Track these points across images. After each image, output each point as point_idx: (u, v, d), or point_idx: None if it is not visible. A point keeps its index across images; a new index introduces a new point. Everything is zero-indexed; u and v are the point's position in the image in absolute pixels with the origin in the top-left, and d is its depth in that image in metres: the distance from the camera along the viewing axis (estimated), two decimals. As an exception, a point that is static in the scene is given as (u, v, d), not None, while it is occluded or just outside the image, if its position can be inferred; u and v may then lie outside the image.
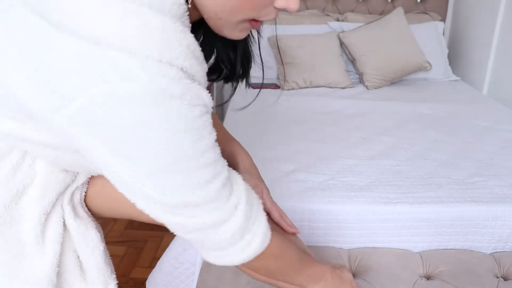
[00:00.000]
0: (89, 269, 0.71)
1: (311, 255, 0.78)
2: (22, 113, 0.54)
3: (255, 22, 0.58)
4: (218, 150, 0.57)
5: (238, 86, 0.74)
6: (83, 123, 0.48)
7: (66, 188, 0.69)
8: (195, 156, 0.52)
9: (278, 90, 2.36)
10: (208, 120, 0.54)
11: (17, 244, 0.64)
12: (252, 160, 0.86)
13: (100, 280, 0.72)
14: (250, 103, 0.82)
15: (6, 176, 0.60)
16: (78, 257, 0.71)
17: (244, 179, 0.79)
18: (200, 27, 0.63)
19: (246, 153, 0.87)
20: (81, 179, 0.71)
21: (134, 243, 1.93)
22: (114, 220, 2.07)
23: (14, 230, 0.62)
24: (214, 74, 0.67)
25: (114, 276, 0.75)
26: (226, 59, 0.67)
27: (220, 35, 0.62)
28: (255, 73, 0.80)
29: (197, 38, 0.63)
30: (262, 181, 0.84)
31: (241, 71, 0.70)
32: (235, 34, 0.58)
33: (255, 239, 0.62)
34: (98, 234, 0.74)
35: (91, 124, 0.48)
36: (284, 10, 0.56)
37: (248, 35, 0.67)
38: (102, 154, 0.51)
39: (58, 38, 0.46)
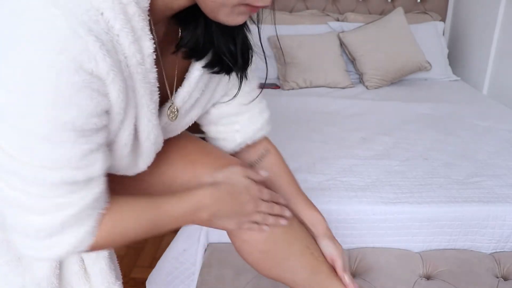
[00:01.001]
0: (93, 274, 0.70)
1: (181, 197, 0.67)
2: None
3: (252, 7, 0.54)
4: (87, 147, 0.50)
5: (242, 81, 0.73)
6: None
7: None
8: (49, 124, 0.46)
9: (277, 90, 2.36)
10: (93, 100, 0.47)
11: (14, 247, 0.63)
12: (326, 222, 0.84)
13: (104, 286, 0.72)
14: (251, 101, 0.82)
15: None
16: (82, 259, 0.71)
17: (326, 245, 0.80)
18: (197, 21, 0.62)
19: (324, 219, 0.84)
20: None
21: (134, 243, 1.93)
22: (114, 220, 2.07)
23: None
24: (217, 67, 0.66)
25: (120, 282, 0.74)
26: (227, 51, 0.65)
27: (220, 28, 0.61)
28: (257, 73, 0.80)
29: (195, 33, 0.61)
30: (337, 242, 0.83)
31: (241, 62, 0.68)
32: (231, 18, 0.55)
33: (62, 244, 0.55)
34: None
35: None
36: None
37: (247, 26, 0.66)
38: None
39: None
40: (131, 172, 0.65)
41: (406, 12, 2.59)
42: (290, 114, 1.97)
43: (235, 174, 0.71)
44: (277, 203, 0.75)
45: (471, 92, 2.36)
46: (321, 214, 0.85)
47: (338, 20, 2.68)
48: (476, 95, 2.33)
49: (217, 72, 0.66)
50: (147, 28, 0.52)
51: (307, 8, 2.75)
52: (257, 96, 0.81)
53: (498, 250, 1.25)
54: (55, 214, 0.53)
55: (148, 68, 0.55)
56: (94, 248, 0.58)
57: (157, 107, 0.61)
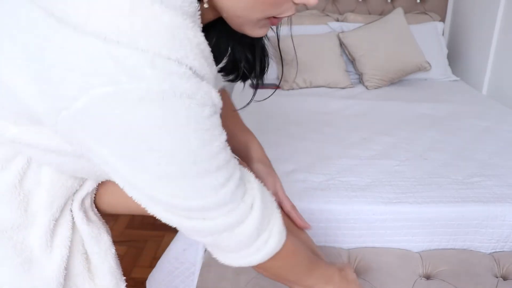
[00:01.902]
0: (101, 272, 0.71)
1: (320, 255, 0.78)
2: (25, 117, 0.52)
3: (274, 19, 0.56)
4: (229, 151, 0.55)
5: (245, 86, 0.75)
6: (86, 125, 0.46)
7: (74, 194, 0.68)
8: (206, 159, 0.50)
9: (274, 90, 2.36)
10: (218, 120, 0.52)
11: (25, 249, 0.64)
12: (264, 150, 0.85)
13: (112, 283, 0.72)
14: (248, 103, 0.82)
15: (12, 181, 0.59)
16: (87, 259, 0.71)
17: (257, 169, 0.80)
18: (213, 29, 0.63)
19: (259, 143, 0.86)
20: (91, 185, 0.70)
21: (134, 243, 1.93)
22: (114, 220, 2.07)
23: (22, 236, 0.62)
24: (232, 74, 0.66)
25: (124, 278, 0.75)
26: (244, 59, 0.66)
27: (237, 36, 0.62)
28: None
29: (209, 39, 0.62)
30: (274, 170, 0.83)
31: (259, 70, 0.69)
32: (255, 31, 0.57)
33: (271, 238, 0.61)
34: (110, 238, 0.74)
35: (94, 126, 0.46)
36: (303, 5, 0.54)
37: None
38: (107, 157, 0.49)
39: (61, 33, 0.43)
40: None
41: (405, 12, 2.59)
42: (290, 114, 1.98)
43: (348, 268, 0.79)
44: None
45: (471, 92, 2.37)
46: (255, 138, 0.87)
47: (338, 20, 2.68)
48: (475, 95, 2.33)
49: (233, 80, 0.67)
50: (212, 55, 0.54)
51: (307, 9, 2.75)
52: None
53: (497, 250, 1.25)
54: (250, 216, 0.57)
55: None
56: (283, 254, 0.63)
57: None
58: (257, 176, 0.80)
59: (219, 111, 0.53)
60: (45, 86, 0.46)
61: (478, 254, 1.22)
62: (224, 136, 0.53)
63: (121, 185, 0.53)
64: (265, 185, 0.80)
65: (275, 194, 0.80)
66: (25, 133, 0.54)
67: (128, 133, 0.46)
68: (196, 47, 0.48)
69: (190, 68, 0.47)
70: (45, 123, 0.50)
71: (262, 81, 0.72)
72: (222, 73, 0.66)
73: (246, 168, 0.63)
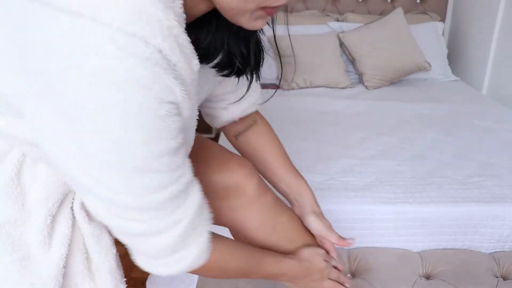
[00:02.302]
0: (101, 272, 0.71)
1: (277, 256, 0.78)
2: (7, 109, 0.52)
3: (270, 9, 0.55)
4: (178, 159, 0.53)
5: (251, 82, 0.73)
6: (46, 102, 0.46)
7: (75, 192, 0.68)
8: (146, 157, 0.48)
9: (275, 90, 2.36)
10: (175, 123, 0.50)
11: (23, 245, 0.64)
12: (315, 198, 0.87)
13: (112, 284, 0.72)
14: (266, 100, 0.82)
15: (9, 174, 0.59)
16: (87, 258, 0.71)
17: (312, 220, 0.83)
18: (208, 23, 0.62)
19: (311, 191, 0.87)
20: None
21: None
22: (114, 220, 2.07)
23: (19, 231, 0.62)
24: (227, 70, 0.65)
25: (125, 280, 0.75)
26: (239, 53, 0.65)
27: (232, 30, 0.61)
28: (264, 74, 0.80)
29: (203, 34, 0.61)
30: (325, 218, 0.86)
31: (254, 64, 0.68)
32: (251, 24, 0.56)
33: (186, 258, 0.59)
34: (111, 237, 0.74)
35: (52, 102, 0.45)
36: None
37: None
38: (57, 133, 0.48)
39: (33, 10, 0.43)
40: None
41: (405, 12, 2.59)
42: (290, 114, 1.98)
43: (318, 256, 0.81)
44: (342, 283, 0.84)
45: (471, 92, 2.37)
46: (308, 186, 0.87)
47: (338, 20, 2.68)
48: (475, 95, 2.33)
49: (227, 75, 0.66)
50: (192, 48, 0.52)
51: (307, 9, 2.75)
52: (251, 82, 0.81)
53: (497, 250, 1.25)
54: (171, 231, 0.56)
55: (196, 82, 0.56)
56: (204, 269, 0.63)
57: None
58: (311, 228, 0.85)
59: (184, 113, 0.52)
60: (16, 67, 0.46)
61: (478, 254, 1.22)
62: (176, 142, 0.51)
63: (59, 165, 0.52)
64: (321, 236, 0.84)
65: (326, 240, 0.84)
66: (11, 126, 0.55)
67: (78, 110, 0.45)
68: (166, 30, 0.46)
69: (160, 51, 0.46)
70: (23, 113, 0.50)
71: (258, 76, 0.71)
72: (216, 69, 0.65)
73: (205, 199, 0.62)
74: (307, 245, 0.83)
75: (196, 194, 0.59)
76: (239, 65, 0.65)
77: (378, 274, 1.13)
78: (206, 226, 0.61)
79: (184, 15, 0.51)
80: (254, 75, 0.71)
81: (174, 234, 0.56)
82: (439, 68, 2.58)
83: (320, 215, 0.85)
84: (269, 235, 0.81)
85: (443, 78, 2.58)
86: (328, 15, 2.70)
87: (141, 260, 0.61)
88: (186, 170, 0.56)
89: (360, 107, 2.08)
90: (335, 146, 1.61)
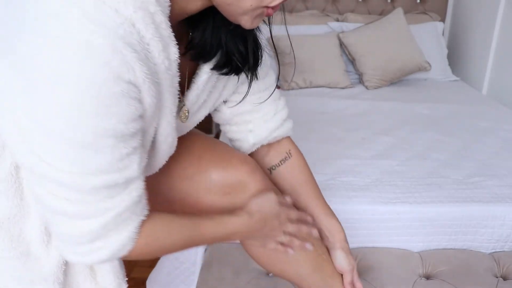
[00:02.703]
0: (104, 272, 0.71)
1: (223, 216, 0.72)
2: None
3: (270, 9, 0.56)
4: (125, 150, 0.51)
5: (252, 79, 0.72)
6: (8, 61, 0.47)
7: None
8: (90, 134, 0.48)
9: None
10: (130, 106, 0.49)
11: (22, 242, 0.64)
12: (344, 234, 0.87)
13: (115, 283, 0.72)
14: (265, 100, 0.81)
15: (8, 168, 0.59)
16: None
17: (338, 255, 0.82)
18: (205, 21, 0.62)
19: (341, 228, 0.87)
20: None
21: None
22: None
23: (19, 228, 0.62)
24: (225, 68, 0.65)
25: (126, 279, 0.75)
26: (237, 52, 0.65)
27: (229, 28, 0.61)
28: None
29: (199, 32, 0.61)
30: (351, 254, 0.86)
31: (252, 62, 0.68)
32: (249, 22, 0.56)
33: (106, 248, 0.57)
34: None
35: (14, 62, 0.46)
36: None
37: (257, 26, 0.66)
38: (11, 95, 0.48)
39: None
40: (145, 174, 0.66)
41: (405, 12, 2.59)
42: (290, 114, 1.97)
43: (268, 202, 0.74)
44: (305, 222, 0.79)
45: (471, 92, 2.37)
46: (340, 224, 0.86)
47: (338, 20, 2.68)
48: (475, 95, 2.33)
49: (226, 74, 0.66)
50: (172, 34, 0.52)
51: (307, 9, 2.75)
52: (271, 94, 0.80)
53: (497, 250, 1.25)
54: (97, 218, 0.54)
55: (174, 73, 0.56)
56: (132, 254, 0.60)
57: (177, 111, 0.62)
58: (336, 262, 0.84)
59: (144, 100, 0.50)
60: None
61: (478, 254, 1.22)
62: (127, 129, 0.50)
63: (7, 136, 0.52)
64: (341, 271, 0.83)
65: (348, 274, 0.83)
66: None
67: (35, 70, 0.45)
68: (140, 2, 0.46)
69: (133, 25, 0.46)
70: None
71: (256, 74, 0.70)
72: (215, 69, 0.65)
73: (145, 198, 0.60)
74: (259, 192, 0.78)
75: (136, 190, 0.57)
76: (238, 63, 0.64)
77: (378, 274, 1.13)
78: (135, 221, 0.58)
79: (168, 2, 0.51)
80: (255, 75, 0.71)
81: (99, 222, 0.54)
82: (439, 68, 2.58)
83: (347, 251, 0.85)
84: None
85: (443, 78, 2.58)
86: (328, 15, 2.70)
87: (59, 245, 0.59)
88: (132, 167, 0.54)
89: (360, 107, 2.08)
90: (335, 146, 1.61)
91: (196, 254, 1.24)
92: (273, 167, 0.88)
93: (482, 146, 1.63)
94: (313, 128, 1.80)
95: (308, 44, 2.40)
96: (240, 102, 0.77)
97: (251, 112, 0.81)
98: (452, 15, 2.85)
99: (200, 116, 0.74)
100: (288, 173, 0.88)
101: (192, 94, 0.67)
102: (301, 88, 2.37)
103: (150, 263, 1.79)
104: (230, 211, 0.73)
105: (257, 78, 0.71)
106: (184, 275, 1.27)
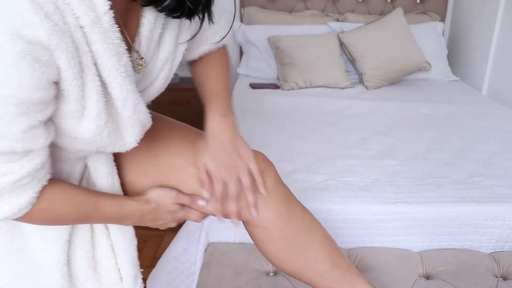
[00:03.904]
0: (124, 262, 0.74)
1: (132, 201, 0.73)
2: None
3: None
4: (27, 122, 0.49)
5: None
6: None
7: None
8: None
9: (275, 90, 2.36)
10: (35, 72, 0.46)
11: (19, 237, 0.64)
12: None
13: (133, 274, 0.74)
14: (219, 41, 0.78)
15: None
16: (92, 258, 0.72)
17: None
18: None
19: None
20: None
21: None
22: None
23: (13, 222, 0.63)
24: (177, 11, 0.61)
25: (142, 271, 0.77)
26: None
27: None
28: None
29: None
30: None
31: (204, 3, 0.63)
32: None
33: (1, 209, 0.57)
34: (133, 230, 0.77)
35: None
36: None
37: None
38: None
39: None
40: (120, 147, 0.64)
41: (405, 12, 2.59)
42: (290, 114, 1.98)
43: (166, 199, 0.75)
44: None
45: (471, 92, 2.37)
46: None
47: (338, 20, 2.68)
48: (475, 95, 2.33)
49: (178, 17, 0.62)
50: None
51: (307, 9, 2.75)
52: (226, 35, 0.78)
53: (497, 250, 1.25)
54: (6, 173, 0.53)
55: (107, 27, 0.52)
56: (27, 218, 0.60)
57: (130, 71, 0.59)
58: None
59: (60, 64, 0.48)
60: None
61: (478, 254, 1.22)
62: (27, 97, 0.47)
63: None
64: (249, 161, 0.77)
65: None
66: None
67: None
68: None
69: None
70: None
71: (210, 15, 0.65)
72: (165, 12, 0.61)
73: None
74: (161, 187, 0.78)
75: (39, 157, 0.56)
76: (190, 5, 0.61)
77: (378, 274, 1.13)
78: (36, 186, 0.58)
79: None
80: (211, 19, 0.66)
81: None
82: (439, 68, 2.58)
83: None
84: (287, 224, 0.80)
85: (443, 78, 2.58)
86: (328, 15, 2.70)
87: None
88: (37, 141, 0.53)
89: (360, 107, 2.08)
90: (335, 146, 1.61)
91: (196, 254, 1.24)
92: (193, 62, 0.85)
93: (482, 146, 1.63)
94: (313, 128, 1.80)
95: (308, 44, 2.40)
96: (191, 38, 0.73)
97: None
98: (452, 15, 2.85)
99: (164, 69, 0.69)
100: (202, 66, 0.84)
101: (142, 39, 0.63)
102: (301, 88, 2.37)
103: (150, 263, 1.79)
104: (131, 196, 0.74)
105: (212, 22, 0.66)
106: (184, 275, 1.27)
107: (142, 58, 0.64)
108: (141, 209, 0.73)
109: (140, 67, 0.64)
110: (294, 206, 0.84)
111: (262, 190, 0.77)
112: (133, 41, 0.63)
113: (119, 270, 0.75)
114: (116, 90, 0.57)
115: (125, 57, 0.57)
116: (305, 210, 0.85)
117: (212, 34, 0.79)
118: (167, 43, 0.68)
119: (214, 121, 0.76)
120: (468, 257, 1.20)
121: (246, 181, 0.75)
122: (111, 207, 0.69)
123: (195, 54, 0.82)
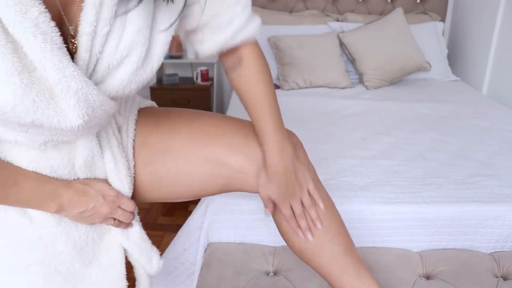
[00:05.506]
0: (135, 250, 0.82)
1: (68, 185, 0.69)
2: None
3: None
4: None
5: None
6: None
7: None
8: None
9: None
10: None
11: (7, 229, 0.65)
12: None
13: (145, 254, 0.84)
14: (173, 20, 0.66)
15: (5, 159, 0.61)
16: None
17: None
18: None
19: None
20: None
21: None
22: (114, 220, 2.07)
23: (2, 216, 0.65)
24: None
25: (126, 277, 0.79)
26: None
27: None
28: None
29: None
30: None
31: None
32: None
33: None
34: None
35: None
36: None
37: None
38: None
39: None
40: (60, 122, 0.58)
41: (405, 12, 2.60)
42: (290, 114, 1.97)
43: (105, 189, 0.73)
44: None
45: (471, 92, 2.37)
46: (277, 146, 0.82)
47: (338, 20, 2.68)
48: (475, 95, 2.33)
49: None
50: None
51: (307, 9, 2.75)
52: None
53: (497, 250, 1.25)
54: None
55: (26, 2, 0.49)
56: None
57: (56, 37, 0.53)
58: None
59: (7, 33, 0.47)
60: None
61: (478, 254, 1.22)
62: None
63: None
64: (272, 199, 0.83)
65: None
66: None
67: None
68: None
69: None
70: None
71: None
72: None
73: None
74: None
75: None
76: None
77: (378, 274, 1.13)
78: None
79: None
80: None
81: None
82: (439, 68, 2.58)
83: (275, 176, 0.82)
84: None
85: (443, 78, 2.58)
86: (328, 15, 2.70)
87: None
88: None
89: (360, 107, 2.08)
90: (335, 146, 1.61)
91: (196, 254, 1.24)
92: (228, 72, 0.83)
93: (482, 146, 1.63)
94: (313, 128, 1.80)
95: (308, 44, 2.40)
96: (174, 22, 0.65)
97: (206, 24, 0.73)
98: (452, 15, 2.85)
99: (131, 55, 0.61)
100: (241, 83, 0.82)
101: (84, 18, 0.56)
102: (301, 88, 2.37)
103: (150, 263, 1.79)
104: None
105: (172, 1, 0.61)
106: (184, 275, 1.27)
107: (73, 37, 0.58)
108: (66, 188, 0.68)
109: (72, 47, 0.58)
110: (319, 185, 0.88)
111: (321, 205, 0.83)
112: (72, 15, 0.57)
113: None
114: (27, 49, 0.51)
115: (35, 10, 0.50)
116: (326, 191, 0.89)
117: (227, 19, 0.71)
118: (130, 31, 0.60)
119: (273, 158, 0.79)
120: (468, 257, 1.20)
121: (307, 201, 0.82)
122: (31, 183, 0.64)
123: (214, 46, 0.75)
